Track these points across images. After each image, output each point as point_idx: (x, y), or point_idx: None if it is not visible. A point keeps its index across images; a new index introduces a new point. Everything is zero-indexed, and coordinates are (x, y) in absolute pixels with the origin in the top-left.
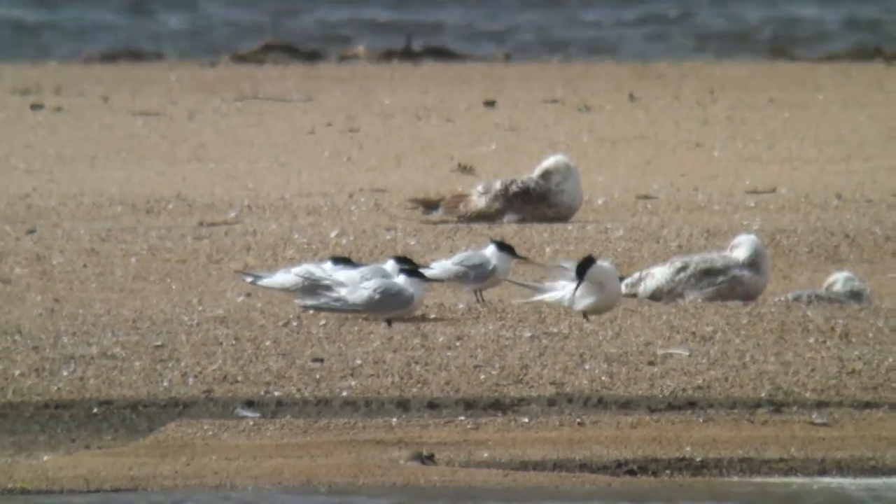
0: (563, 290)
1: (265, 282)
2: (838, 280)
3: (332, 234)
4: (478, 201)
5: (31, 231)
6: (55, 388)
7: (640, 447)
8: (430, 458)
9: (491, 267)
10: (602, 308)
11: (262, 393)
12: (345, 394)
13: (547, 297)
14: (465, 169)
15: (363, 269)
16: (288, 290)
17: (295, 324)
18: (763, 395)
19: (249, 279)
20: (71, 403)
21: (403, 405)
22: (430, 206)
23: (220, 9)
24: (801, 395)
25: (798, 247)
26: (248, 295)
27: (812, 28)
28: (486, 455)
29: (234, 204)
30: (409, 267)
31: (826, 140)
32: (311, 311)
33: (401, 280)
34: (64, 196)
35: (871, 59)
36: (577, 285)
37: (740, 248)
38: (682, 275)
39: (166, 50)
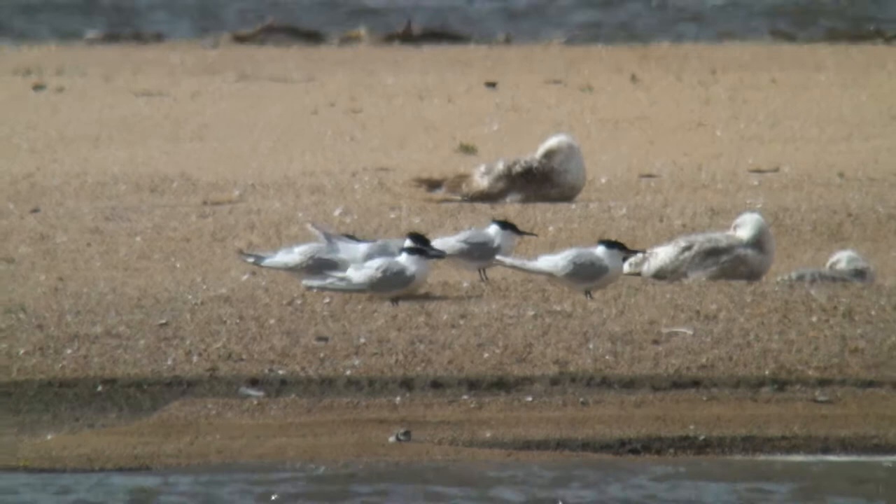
0: (548, 262)
1: (268, 262)
2: (842, 259)
3: (336, 213)
4: (480, 181)
5: (35, 210)
6: (59, 366)
7: (643, 426)
8: (407, 434)
9: (495, 245)
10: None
11: (266, 371)
12: (349, 373)
13: (539, 265)
14: (467, 149)
15: (370, 245)
16: (292, 270)
17: (299, 302)
18: (767, 373)
19: (251, 259)
20: (75, 382)
21: (407, 384)
22: (433, 185)
23: None
24: (804, 373)
25: (801, 225)
26: (253, 273)
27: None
28: (489, 434)
29: (237, 183)
30: (424, 245)
31: (827, 120)
32: (315, 291)
33: (403, 259)
34: (67, 175)
35: (871, 40)
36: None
37: (744, 228)
38: (686, 254)
39: (167, 30)
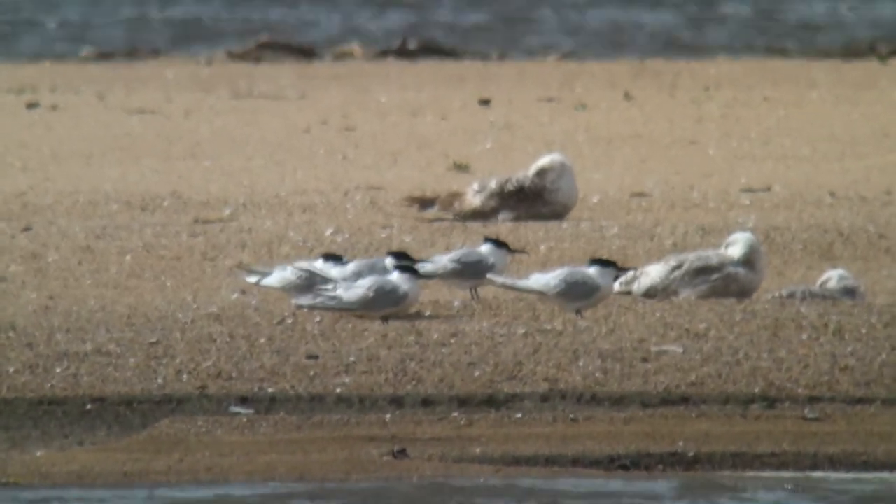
0: (539, 281)
1: (264, 282)
2: (832, 277)
3: (328, 232)
4: (473, 199)
5: (27, 229)
6: (49, 384)
7: (632, 442)
8: (403, 452)
9: (488, 264)
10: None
11: (255, 389)
12: (339, 390)
13: (530, 284)
14: (460, 167)
15: (358, 264)
16: (283, 289)
17: (289, 321)
18: (756, 390)
19: (254, 279)
20: (65, 400)
21: (397, 402)
22: (425, 204)
23: (215, 7)
24: (793, 390)
25: (792, 244)
26: (243, 292)
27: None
28: (478, 451)
29: (229, 201)
30: (406, 262)
31: (820, 138)
32: (306, 310)
33: (395, 277)
34: (59, 194)
35: (864, 57)
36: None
37: (735, 246)
38: (676, 272)
39: (161, 48)
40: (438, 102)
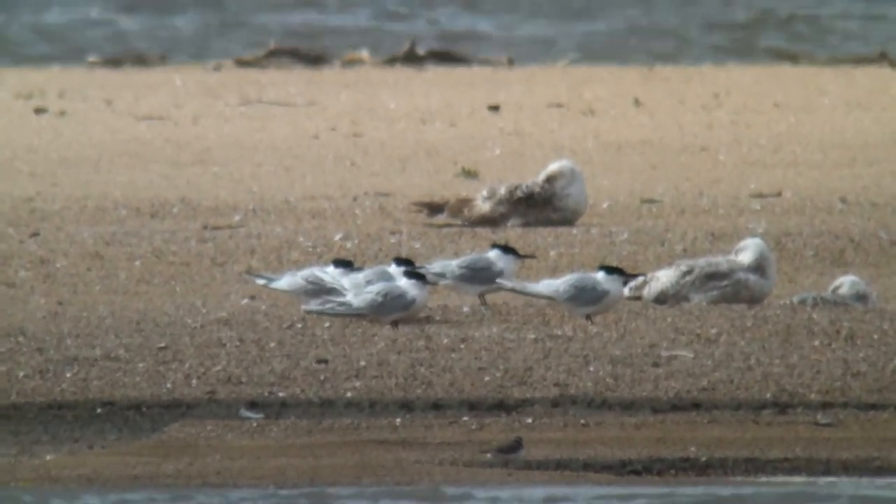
0: (549, 287)
1: (275, 284)
2: (844, 283)
3: (337, 238)
4: (482, 206)
5: (36, 234)
6: (59, 389)
7: (644, 447)
8: (518, 443)
9: (496, 269)
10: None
11: (265, 394)
12: (349, 395)
13: (540, 289)
14: (469, 173)
15: (366, 273)
16: (293, 294)
17: (299, 326)
18: (768, 396)
19: (262, 281)
20: (74, 404)
21: (407, 406)
22: (434, 209)
23: (223, 12)
24: (805, 396)
25: (803, 250)
26: (253, 297)
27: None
28: (489, 455)
29: (238, 207)
30: (411, 269)
31: (831, 144)
32: (316, 315)
33: (404, 283)
34: (68, 199)
35: (876, 63)
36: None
37: (745, 252)
38: (687, 278)
39: (170, 54)
40: (447, 109)
